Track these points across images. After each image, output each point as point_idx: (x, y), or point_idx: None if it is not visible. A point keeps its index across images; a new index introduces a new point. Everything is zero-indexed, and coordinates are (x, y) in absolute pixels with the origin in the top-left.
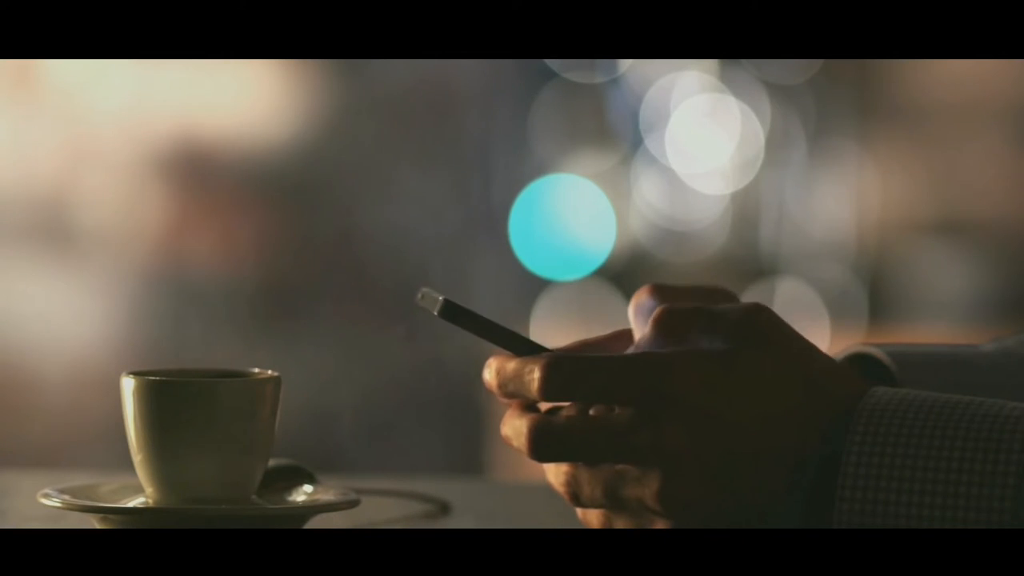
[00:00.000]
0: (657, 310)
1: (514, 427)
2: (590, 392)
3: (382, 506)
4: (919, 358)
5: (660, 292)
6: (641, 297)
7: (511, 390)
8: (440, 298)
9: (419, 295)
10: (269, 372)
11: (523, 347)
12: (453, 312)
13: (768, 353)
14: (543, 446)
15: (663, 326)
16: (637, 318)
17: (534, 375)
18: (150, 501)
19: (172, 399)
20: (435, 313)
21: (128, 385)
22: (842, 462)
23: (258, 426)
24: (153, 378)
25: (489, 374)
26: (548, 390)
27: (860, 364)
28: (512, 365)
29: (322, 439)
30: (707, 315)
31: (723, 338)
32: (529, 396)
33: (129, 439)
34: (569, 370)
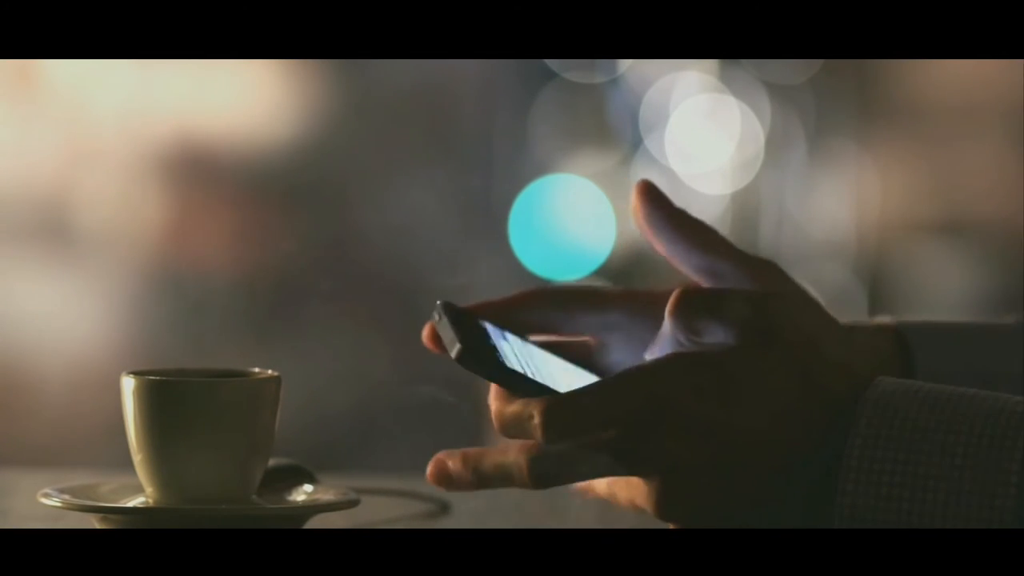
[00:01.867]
0: (674, 295)
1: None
2: (592, 427)
3: (382, 505)
4: (937, 332)
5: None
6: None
7: (514, 434)
8: (457, 344)
9: (435, 316)
10: (269, 372)
11: (533, 391)
12: (468, 358)
13: (771, 350)
14: (541, 475)
15: (678, 315)
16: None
17: (535, 421)
18: (150, 501)
19: (172, 399)
20: (452, 357)
21: (128, 385)
22: (844, 456)
23: (258, 426)
24: (153, 378)
25: (492, 414)
26: (551, 435)
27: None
28: (511, 409)
29: (322, 438)
30: (719, 302)
31: (731, 331)
32: (533, 440)
33: (129, 439)
34: (568, 412)
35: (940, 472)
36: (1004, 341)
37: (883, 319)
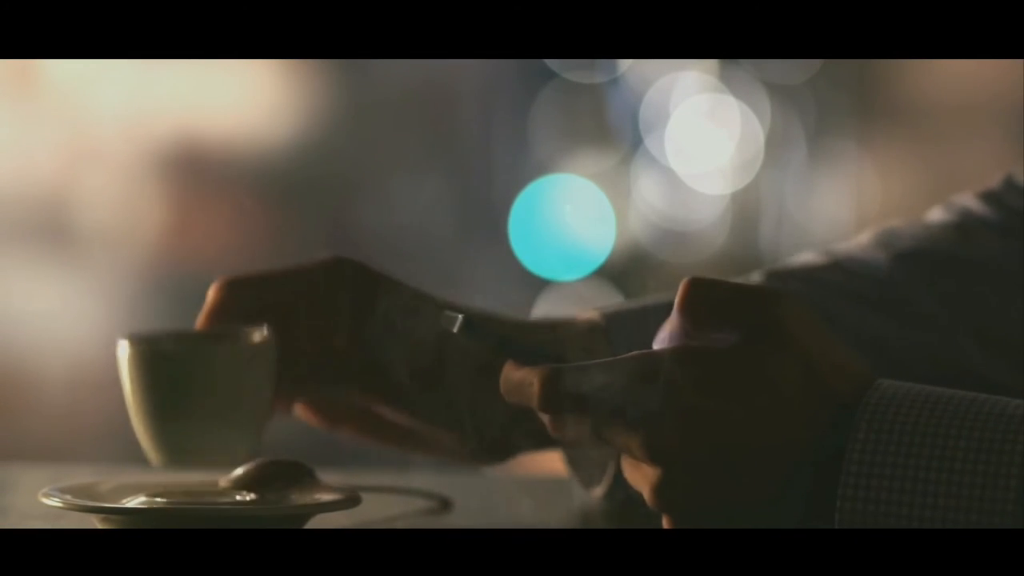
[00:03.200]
0: (683, 284)
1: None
2: (589, 401)
3: (383, 503)
4: (634, 315)
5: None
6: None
7: (515, 399)
8: (459, 316)
9: (441, 319)
10: (263, 332)
11: (538, 360)
12: (473, 328)
13: (776, 347)
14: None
15: (687, 306)
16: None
17: (533, 388)
18: (152, 462)
19: (167, 366)
20: (454, 331)
21: (123, 351)
22: (844, 460)
23: (254, 388)
24: (145, 347)
25: (500, 379)
26: (547, 402)
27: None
28: (515, 375)
29: (322, 435)
30: (727, 295)
31: (738, 325)
32: (533, 406)
33: (127, 403)
34: (566, 382)
35: (940, 476)
36: None
37: (589, 312)
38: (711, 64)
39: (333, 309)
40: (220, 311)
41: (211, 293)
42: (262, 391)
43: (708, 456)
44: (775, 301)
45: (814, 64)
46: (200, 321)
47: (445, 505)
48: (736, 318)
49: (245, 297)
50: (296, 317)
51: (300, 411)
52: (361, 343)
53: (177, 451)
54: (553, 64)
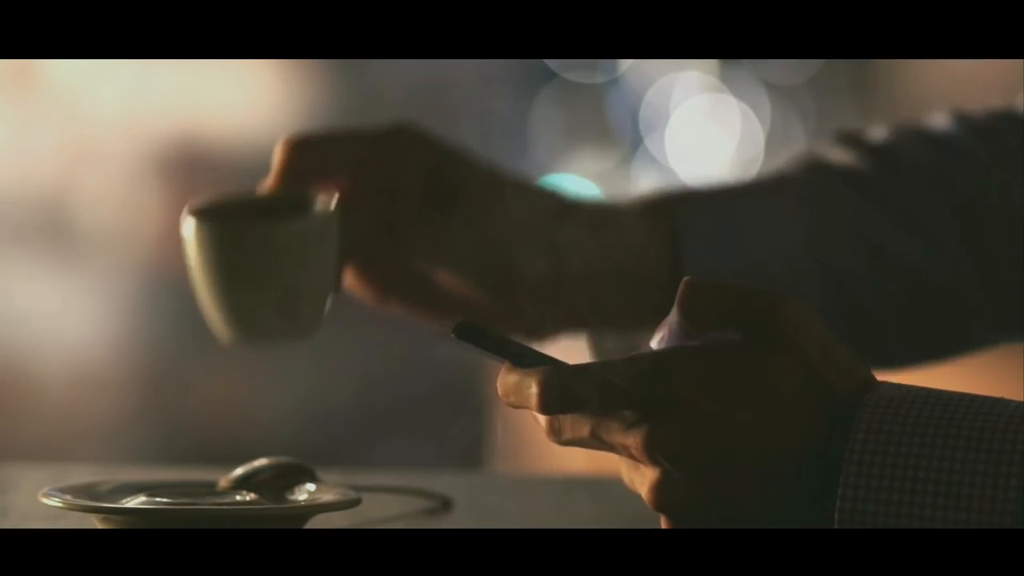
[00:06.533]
0: (682, 285)
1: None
2: (589, 402)
3: (383, 503)
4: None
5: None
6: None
7: (514, 402)
8: (457, 320)
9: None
10: (330, 200)
11: (537, 362)
12: (468, 332)
13: (774, 348)
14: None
15: (687, 308)
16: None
17: (532, 391)
18: (221, 338)
19: (235, 246)
20: (451, 334)
21: (189, 229)
22: (844, 459)
23: (322, 259)
24: (213, 226)
25: (498, 383)
26: (547, 405)
27: None
28: (513, 378)
29: (323, 435)
30: (727, 299)
31: (736, 325)
32: (532, 409)
33: (194, 280)
34: (565, 384)
35: (940, 476)
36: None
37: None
38: (711, 64)
39: (400, 173)
40: (289, 172)
41: (280, 152)
42: (330, 262)
43: (707, 457)
44: (775, 302)
45: (814, 64)
46: (270, 182)
47: (445, 505)
48: (736, 319)
49: (314, 157)
50: (364, 181)
51: (351, 280)
52: (425, 210)
53: (246, 326)
54: (553, 64)
